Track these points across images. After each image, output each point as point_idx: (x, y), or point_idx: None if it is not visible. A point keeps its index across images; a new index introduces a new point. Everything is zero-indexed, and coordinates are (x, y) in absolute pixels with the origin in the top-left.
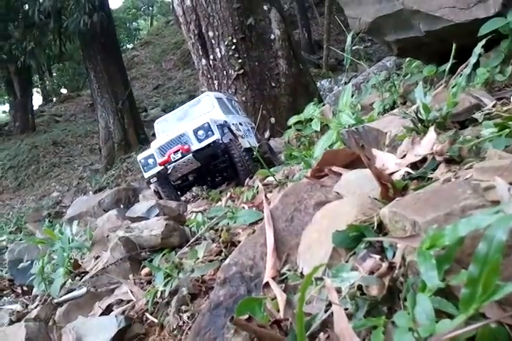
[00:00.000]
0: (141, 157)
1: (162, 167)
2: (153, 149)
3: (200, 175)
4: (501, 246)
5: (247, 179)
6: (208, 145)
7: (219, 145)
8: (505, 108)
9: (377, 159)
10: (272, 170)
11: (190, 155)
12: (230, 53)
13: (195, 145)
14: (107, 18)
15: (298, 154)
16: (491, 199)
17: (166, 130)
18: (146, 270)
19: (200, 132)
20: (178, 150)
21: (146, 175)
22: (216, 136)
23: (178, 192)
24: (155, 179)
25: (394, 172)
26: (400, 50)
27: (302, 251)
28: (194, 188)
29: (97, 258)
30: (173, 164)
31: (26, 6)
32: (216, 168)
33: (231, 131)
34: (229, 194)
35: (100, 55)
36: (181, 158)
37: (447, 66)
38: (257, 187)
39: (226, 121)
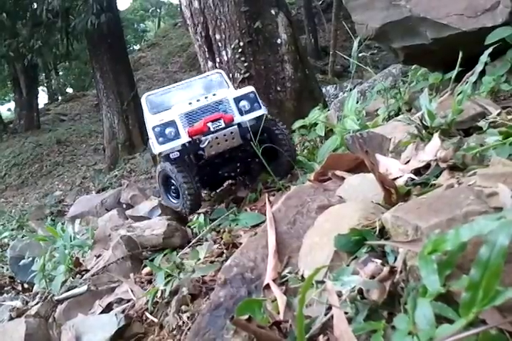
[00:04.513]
0: (154, 124)
1: (190, 139)
2: (174, 115)
3: (231, 159)
4: (503, 250)
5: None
6: (255, 119)
7: (269, 122)
8: (509, 117)
9: (380, 164)
10: None
11: (236, 127)
12: (237, 56)
13: (237, 118)
14: (114, 18)
15: (302, 158)
16: (494, 206)
17: (172, 102)
18: (147, 269)
19: (244, 102)
20: (220, 118)
21: (160, 148)
22: (263, 110)
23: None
24: (177, 154)
25: (397, 178)
26: (407, 57)
27: (303, 253)
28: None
29: (98, 256)
30: (212, 136)
31: (35, 5)
32: (247, 152)
33: None
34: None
35: (107, 55)
36: (224, 128)
37: (453, 74)
38: (260, 189)
39: None
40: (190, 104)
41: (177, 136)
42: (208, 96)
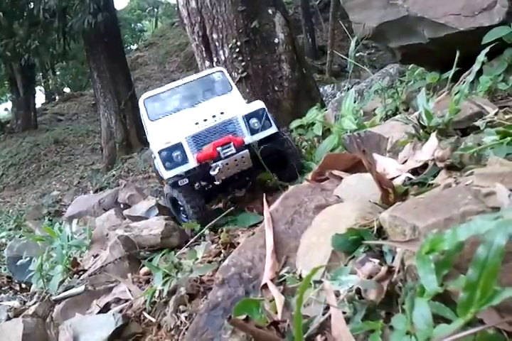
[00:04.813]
0: (160, 148)
1: (198, 164)
2: (181, 137)
3: (241, 176)
4: (501, 250)
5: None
6: (266, 139)
7: (282, 142)
8: (507, 116)
9: (378, 164)
10: None
11: (247, 151)
12: (234, 56)
13: (247, 138)
14: (111, 18)
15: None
16: (492, 205)
17: (172, 106)
18: (144, 269)
19: (254, 120)
20: (229, 142)
21: (168, 174)
22: (274, 128)
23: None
24: (185, 181)
25: (395, 178)
26: (404, 57)
27: (301, 253)
28: None
29: (95, 256)
30: (222, 162)
31: (31, 4)
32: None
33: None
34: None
35: (104, 55)
36: (235, 153)
37: (450, 73)
38: (258, 189)
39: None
40: (196, 124)
41: (185, 160)
42: (216, 115)
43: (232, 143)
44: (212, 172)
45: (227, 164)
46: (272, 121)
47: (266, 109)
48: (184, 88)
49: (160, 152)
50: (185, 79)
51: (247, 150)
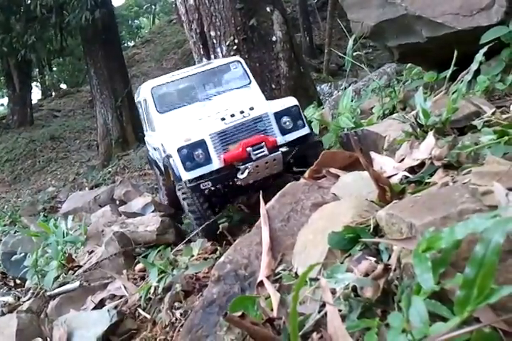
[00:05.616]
0: (180, 145)
1: (223, 165)
2: (204, 133)
3: (263, 182)
4: (498, 248)
5: None
6: (298, 140)
7: (316, 144)
8: (504, 116)
9: (375, 162)
10: None
11: (279, 153)
12: (232, 53)
13: (279, 139)
14: (109, 14)
15: None
16: (489, 204)
17: (186, 98)
18: (140, 266)
19: (286, 119)
20: (261, 142)
21: (187, 175)
22: (307, 128)
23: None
24: (208, 184)
25: (392, 176)
26: (401, 56)
27: (297, 251)
28: None
29: (91, 252)
30: (252, 164)
31: (28, 0)
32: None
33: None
34: None
35: (101, 51)
36: (267, 155)
37: (448, 73)
38: None
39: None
40: (223, 119)
41: (208, 160)
42: (245, 111)
43: (264, 144)
44: (240, 176)
45: (257, 166)
46: (304, 121)
47: (299, 107)
48: (196, 77)
49: (179, 150)
50: (198, 68)
51: (279, 152)
